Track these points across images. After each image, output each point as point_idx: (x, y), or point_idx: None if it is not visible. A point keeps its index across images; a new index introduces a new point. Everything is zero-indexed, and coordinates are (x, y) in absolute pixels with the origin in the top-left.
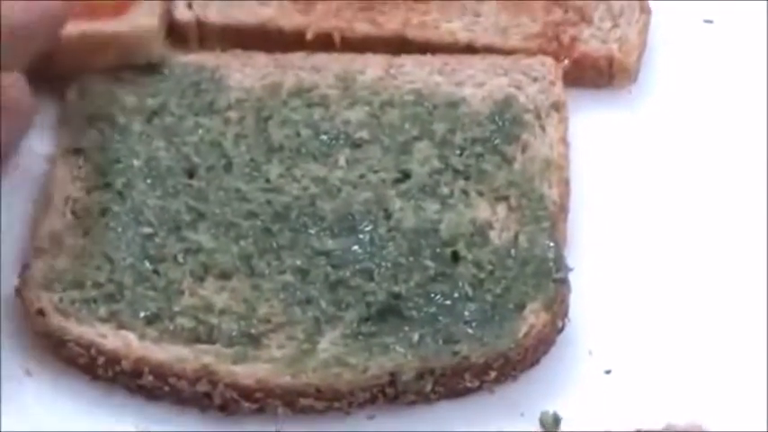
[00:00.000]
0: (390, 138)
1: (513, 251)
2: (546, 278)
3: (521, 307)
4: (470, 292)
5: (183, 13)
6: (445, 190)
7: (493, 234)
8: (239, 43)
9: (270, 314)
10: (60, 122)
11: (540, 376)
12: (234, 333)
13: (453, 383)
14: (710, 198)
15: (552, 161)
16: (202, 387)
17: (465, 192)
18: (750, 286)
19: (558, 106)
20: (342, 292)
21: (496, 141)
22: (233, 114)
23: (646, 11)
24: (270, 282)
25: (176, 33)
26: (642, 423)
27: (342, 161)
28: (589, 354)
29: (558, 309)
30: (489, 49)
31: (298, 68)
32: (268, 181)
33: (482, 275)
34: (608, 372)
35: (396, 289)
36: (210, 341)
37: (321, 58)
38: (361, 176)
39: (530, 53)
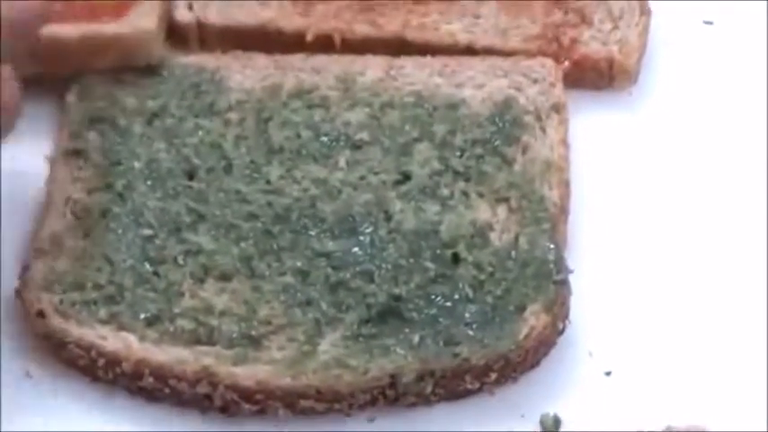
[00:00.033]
0: (390, 139)
1: (513, 253)
2: (546, 280)
3: (521, 309)
4: (471, 294)
5: (183, 15)
6: (445, 191)
7: (493, 236)
8: (239, 45)
9: (270, 316)
10: (60, 124)
11: (541, 378)
12: (234, 335)
13: (454, 385)
14: (711, 199)
15: (552, 163)
16: (203, 389)
17: (465, 193)
18: (750, 287)
19: (558, 108)
20: (342, 293)
21: (497, 143)
22: (233, 116)
23: (646, 12)
24: (270, 283)
25: (176, 35)
26: (642, 425)
27: (342, 163)
28: (589, 355)
29: (558, 310)
30: (489, 51)
31: (298, 70)
32: (268, 182)
33: (482, 277)
34: (608, 373)
35: (396, 290)
36: (211, 343)
37: (321, 60)
38: (362, 178)
39: (530, 55)
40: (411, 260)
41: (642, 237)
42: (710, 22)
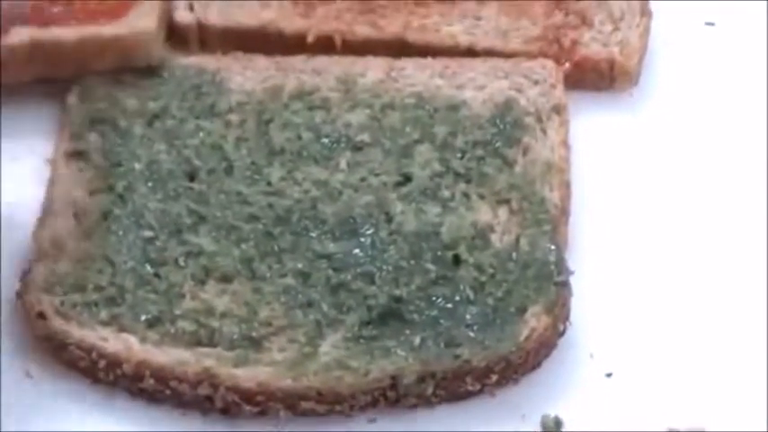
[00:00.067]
0: (391, 141)
1: (514, 254)
2: (547, 281)
3: (522, 310)
4: (472, 296)
5: (183, 16)
6: (446, 193)
7: (494, 237)
8: (240, 46)
9: (271, 317)
10: (61, 125)
11: (542, 379)
12: (235, 336)
13: (454, 387)
14: (712, 201)
15: (553, 164)
16: (204, 390)
17: (466, 195)
18: (751, 287)
19: (558, 109)
20: (343, 295)
21: (497, 144)
22: (234, 117)
23: (647, 14)
24: (271, 285)
25: (177, 36)
26: (643, 426)
27: (343, 164)
28: (590, 357)
29: (559, 312)
30: (490, 53)
31: (299, 71)
32: (269, 184)
33: (483, 279)
34: (609, 375)
35: (397, 292)
36: (212, 344)
37: (322, 61)
38: (363, 179)
39: (530, 56)
40: (412, 262)
41: (643, 238)
42: (712, 24)
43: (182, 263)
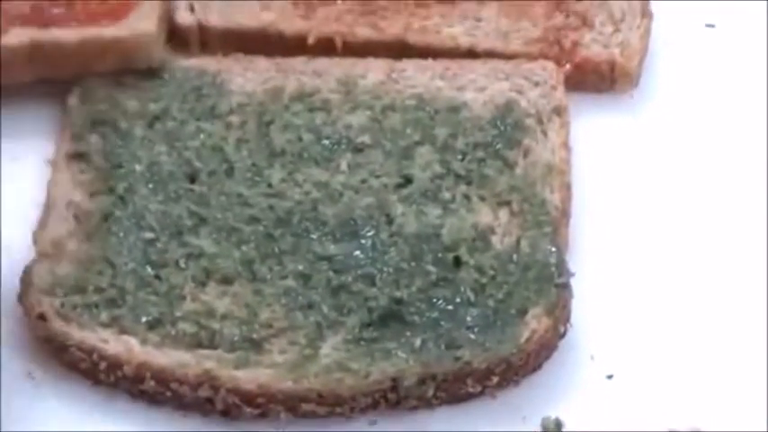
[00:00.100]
0: (392, 142)
1: (514, 256)
2: (548, 283)
3: (523, 312)
4: (472, 298)
5: (184, 17)
6: (447, 195)
7: (495, 239)
8: (241, 47)
9: (272, 319)
10: (62, 127)
11: (542, 381)
12: (236, 338)
13: (455, 389)
14: (712, 202)
15: (554, 166)
16: (204, 392)
17: (467, 197)
18: (751, 288)
19: (559, 111)
20: (344, 297)
21: (498, 146)
22: (234, 119)
23: (647, 15)
24: (272, 287)
25: (178, 37)
26: (644, 428)
27: (343, 166)
28: (591, 359)
29: (559, 314)
30: (490, 54)
31: (299, 73)
32: (270, 186)
33: (484, 280)
34: (610, 377)
35: (398, 294)
36: (212, 346)
37: (323, 63)
38: (363, 181)
39: (531, 58)
40: (412, 263)
41: (644, 240)
42: (712, 25)
43: (182, 264)
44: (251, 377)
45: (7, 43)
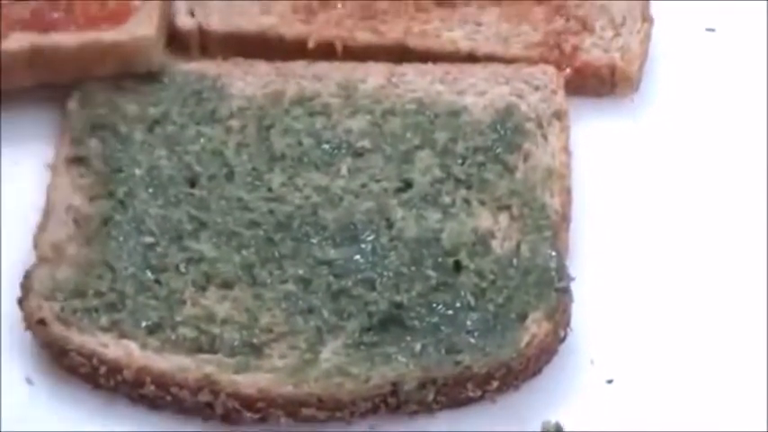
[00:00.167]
0: (392, 147)
1: (515, 260)
2: (548, 287)
3: (523, 316)
4: (472, 302)
5: (184, 21)
6: (447, 199)
7: (495, 243)
8: (241, 51)
9: (272, 324)
10: (62, 131)
11: (542, 386)
12: (236, 343)
13: (455, 393)
14: (712, 206)
15: (554, 170)
16: (204, 397)
17: (467, 201)
18: (751, 290)
19: (559, 115)
20: (344, 301)
21: (498, 150)
22: (235, 123)
23: (648, 20)
24: (272, 291)
25: (178, 41)
26: None
27: (344, 170)
28: (591, 363)
29: (559, 318)
30: (491, 58)
31: (299, 77)
32: (270, 190)
33: (484, 285)
34: (610, 381)
35: (398, 298)
36: (212, 351)
37: (323, 67)
38: (363, 186)
39: (531, 62)
40: (412, 268)
41: (644, 244)
42: (712, 30)
43: (182, 269)
44: (251, 382)
45: (7, 48)
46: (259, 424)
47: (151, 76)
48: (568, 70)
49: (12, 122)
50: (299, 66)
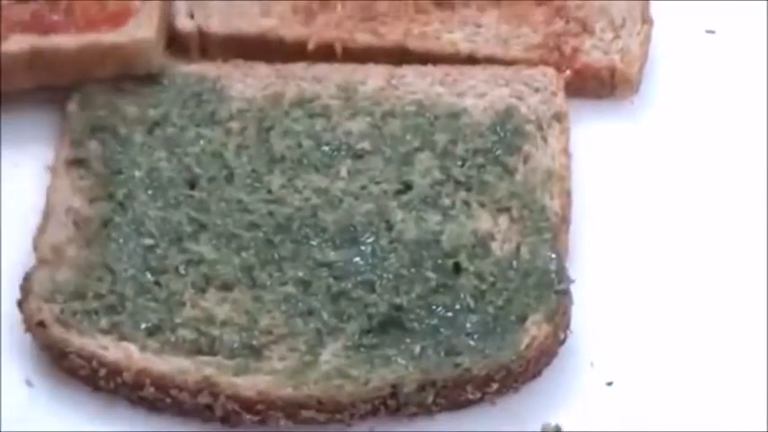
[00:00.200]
0: (392, 149)
1: (514, 263)
2: (548, 290)
3: (522, 318)
4: (472, 304)
5: (184, 23)
6: (447, 201)
7: (494, 245)
8: (241, 53)
9: (271, 326)
10: (62, 133)
11: (542, 388)
12: (235, 345)
13: (455, 395)
14: (712, 208)
15: (554, 172)
16: (204, 399)
17: (467, 203)
18: (751, 293)
19: (559, 117)
20: (343, 303)
21: (498, 152)
22: (234, 125)
23: (648, 21)
24: (271, 293)
25: (178, 43)
26: None
27: (343, 172)
28: (591, 365)
29: (559, 320)
30: (490, 60)
31: (299, 79)
32: (270, 192)
33: (484, 287)
34: (610, 383)
35: (397, 301)
36: (212, 353)
37: (322, 69)
38: (363, 187)
39: (531, 64)
40: (412, 270)
41: (644, 246)
42: (712, 32)
43: (182, 271)
44: (250, 384)
45: (7, 50)
46: (259, 426)
47: (151, 78)
48: (568, 72)
49: (12, 124)
50: (298, 67)
